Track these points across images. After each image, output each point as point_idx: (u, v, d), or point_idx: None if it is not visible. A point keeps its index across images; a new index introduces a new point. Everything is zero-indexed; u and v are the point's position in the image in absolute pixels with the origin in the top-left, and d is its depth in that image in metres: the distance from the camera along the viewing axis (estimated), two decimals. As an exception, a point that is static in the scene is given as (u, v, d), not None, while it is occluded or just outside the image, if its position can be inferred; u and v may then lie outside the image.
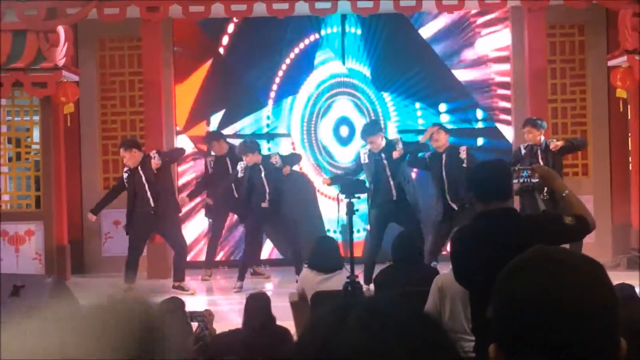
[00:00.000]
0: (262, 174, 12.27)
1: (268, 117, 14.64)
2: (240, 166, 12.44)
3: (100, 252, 14.21)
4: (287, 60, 14.62)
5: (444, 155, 11.82)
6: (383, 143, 11.84)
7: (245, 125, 14.59)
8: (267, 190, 12.27)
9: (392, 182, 11.69)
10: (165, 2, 12.97)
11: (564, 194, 5.16)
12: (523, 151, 11.95)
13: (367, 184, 11.20)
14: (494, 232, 4.82)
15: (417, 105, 14.55)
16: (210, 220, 13.83)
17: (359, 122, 14.25)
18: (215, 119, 14.60)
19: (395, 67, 14.52)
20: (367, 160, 11.83)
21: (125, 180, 12.12)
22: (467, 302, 5.30)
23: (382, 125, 13.51)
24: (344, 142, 14.69)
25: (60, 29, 12.69)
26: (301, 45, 14.66)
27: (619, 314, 1.81)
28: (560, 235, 4.89)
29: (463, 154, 11.72)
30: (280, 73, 14.63)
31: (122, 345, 1.11)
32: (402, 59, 14.49)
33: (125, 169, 12.15)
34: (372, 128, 12.03)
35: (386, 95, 14.61)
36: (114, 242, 14.16)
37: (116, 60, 14.55)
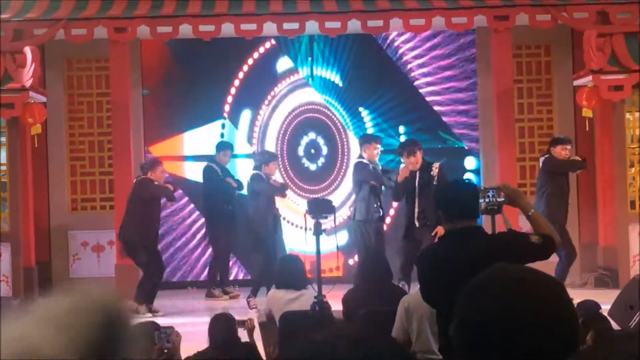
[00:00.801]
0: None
1: (222, 135, 14.33)
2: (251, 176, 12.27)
3: (68, 274, 14.11)
4: (245, 68, 14.39)
5: (417, 174, 11.50)
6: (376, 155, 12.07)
7: (200, 143, 14.27)
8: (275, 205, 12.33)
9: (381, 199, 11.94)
10: (133, 22, 12.96)
11: (529, 213, 5.20)
12: None
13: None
14: (460, 250, 4.84)
15: (401, 128, 14.48)
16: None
17: (330, 138, 14.32)
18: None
19: (368, 85, 14.48)
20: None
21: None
22: (434, 321, 5.32)
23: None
24: (313, 161, 14.64)
25: (28, 50, 12.63)
26: (261, 50, 14.42)
27: (579, 330, 1.83)
28: (527, 254, 4.91)
29: (435, 171, 11.38)
30: (237, 82, 14.43)
31: (86, 338, 1.14)
32: (374, 75, 14.49)
33: (158, 184, 12.08)
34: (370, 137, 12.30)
35: (361, 110, 14.54)
36: (82, 263, 14.07)
37: (84, 81, 14.51)
